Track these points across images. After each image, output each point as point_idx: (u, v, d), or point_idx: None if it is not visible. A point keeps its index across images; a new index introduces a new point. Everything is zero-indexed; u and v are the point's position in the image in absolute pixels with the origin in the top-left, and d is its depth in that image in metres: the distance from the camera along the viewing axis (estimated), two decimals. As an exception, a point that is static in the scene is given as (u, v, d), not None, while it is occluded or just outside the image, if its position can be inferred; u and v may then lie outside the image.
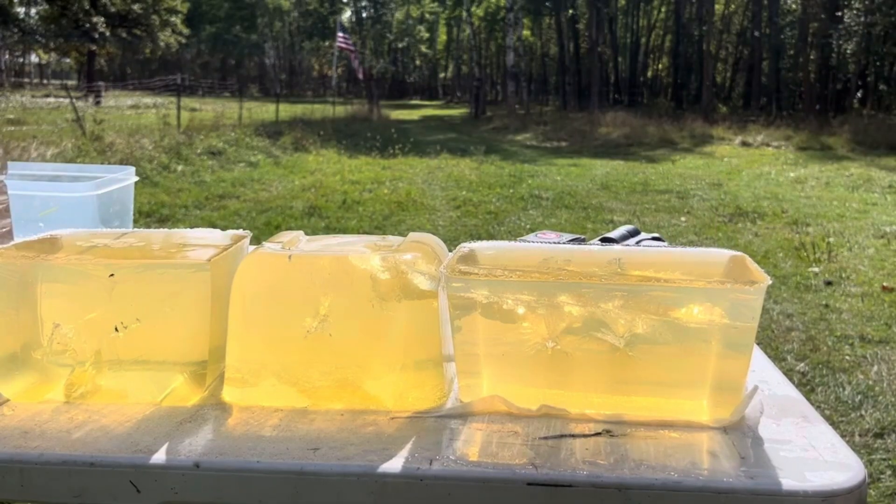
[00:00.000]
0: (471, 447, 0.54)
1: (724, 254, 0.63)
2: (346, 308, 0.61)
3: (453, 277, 0.58)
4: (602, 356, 0.57)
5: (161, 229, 0.76)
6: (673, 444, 0.54)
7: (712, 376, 0.57)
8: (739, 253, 0.63)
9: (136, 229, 0.78)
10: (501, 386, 0.60)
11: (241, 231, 0.73)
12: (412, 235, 0.68)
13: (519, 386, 0.60)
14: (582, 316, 0.57)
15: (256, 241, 0.73)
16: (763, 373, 0.67)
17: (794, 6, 28.68)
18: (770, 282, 0.55)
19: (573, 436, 0.55)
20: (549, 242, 0.78)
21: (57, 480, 0.54)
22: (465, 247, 0.64)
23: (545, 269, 0.59)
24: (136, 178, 1.17)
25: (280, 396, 0.62)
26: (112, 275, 0.62)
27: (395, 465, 0.52)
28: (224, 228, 0.75)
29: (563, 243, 0.77)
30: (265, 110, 20.34)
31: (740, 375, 0.57)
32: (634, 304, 0.56)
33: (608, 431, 0.56)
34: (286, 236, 0.69)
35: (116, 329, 0.63)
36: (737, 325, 0.55)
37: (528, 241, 0.80)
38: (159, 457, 0.54)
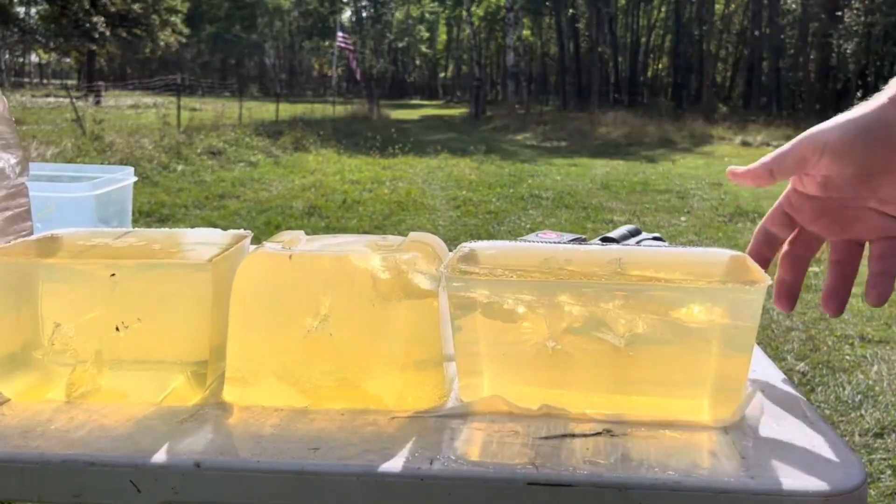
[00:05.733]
0: (471, 447, 0.54)
1: (725, 253, 0.63)
2: (346, 308, 0.61)
3: (454, 277, 0.58)
4: (603, 356, 0.57)
5: (162, 229, 0.76)
6: (673, 444, 0.54)
7: (713, 376, 0.57)
8: (740, 253, 0.63)
9: (136, 229, 0.78)
10: (502, 385, 0.60)
11: (241, 231, 0.73)
12: (412, 235, 0.68)
13: (520, 385, 0.60)
14: (583, 315, 0.57)
15: (256, 240, 0.73)
16: (763, 372, 0.67)
17: (794, 6, 28.67)
18: (770, 282, 0.55)
19: (574, 436, 0.55)
20: (550, 242, 0.78)
21: (57, 480, 0.54)
22: (466, 246, 0.64)
23: (546, 268, 0.59)
24: (135, 179, 1.17)
25: (280, 396, 0.62)
26: (113, 274, 0.62)
27: (395, 464, 0.52)
28: (224, 228, 0.75)
29: (564, 243, 0.77)
30: (265, 110, 20.34)
31: (741, 375, 0.57)
32: (635, 303, 0.56)
33: (609, 431, 0.56)
34: (286, 236, 0.69)
35: (117, 329, 0.63)
36: (737, 324, 0.55)
37: (529, 241, 0.80)
38: (160, 456, 0.54)
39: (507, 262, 0.61)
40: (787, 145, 0.64)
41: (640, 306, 0.56)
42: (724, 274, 0.59)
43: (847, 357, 3.45)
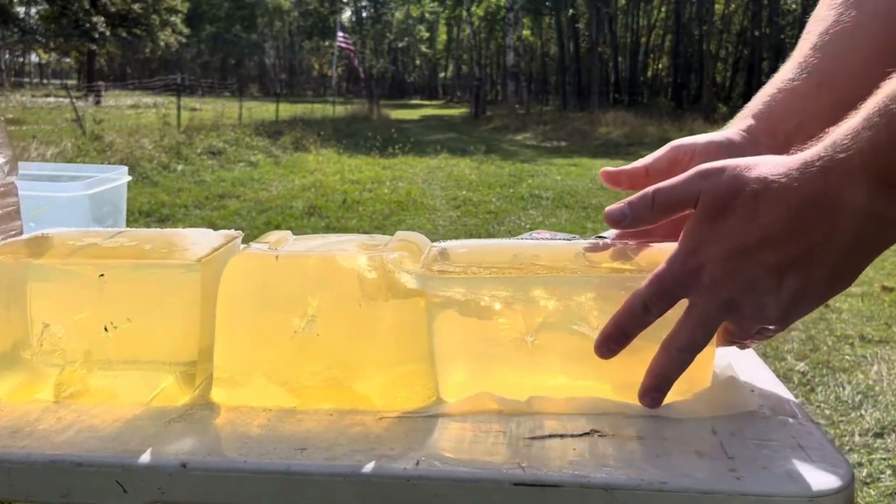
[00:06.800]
0: (458, 447, 0.54)
1: None
2: (333, 308, 0.61)
3: (430, 277, 0.58)
4: (580, 350, 0.58)
5: (153, 229, 0.76)
6: (660, 445, 0.54)
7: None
8: None
9: (128, 229, 0.78)
10: (485, 384, 0.60)
11: (232, 231, 0.73)
12: (399, 234, 0.68)
13: (502, 383, 0.60)
14: (557, 310, 0.58)
15: (254, 240, 0.73)
16: (753, 372, 0.67)
17: (794, 6, 28.67)
18: None
19: (560, 436, 0.55)
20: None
21: (44, 480, 0.54)
22: (437, 246, 0.64)
23: (517, 264, 0.59)
24: (129, 178, 1.17)
25: (268, 396, 0.61)
26: (102, 275, 0.62)
27: (381, 465, 0.52)
28: (224, 228, 0.75)
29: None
30: (265, 110, 20.36)
31: (707, 365, 0.59)
32: (607, 295, 0.57)
33: (596, 431, 0.56)
34: (273, 236, 0.69)
35: (106, 329, 0.63)
36: None
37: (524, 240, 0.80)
38: (146, 457, 0.54)
39: (479, 259, 0.61)
40: (659, 150, 0.71)
41: (613, 298, 0.57)
42: None
43: (847, 357, 3.45)
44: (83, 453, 0.54)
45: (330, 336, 0.61)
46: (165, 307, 0.63)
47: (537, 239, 0.92)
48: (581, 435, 0.55)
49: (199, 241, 0.70)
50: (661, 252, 0.60)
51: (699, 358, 0.56)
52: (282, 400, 0.61)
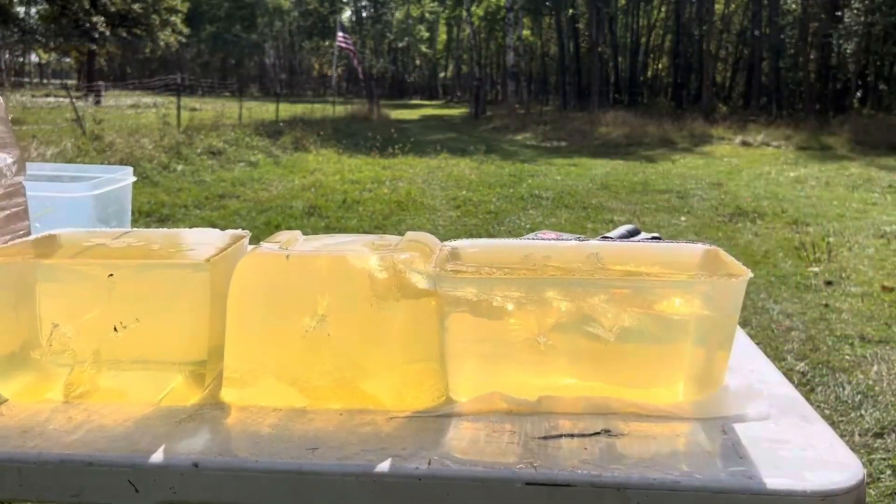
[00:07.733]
0: (469, 447, 0.54)
1: (698, 248, 0.64)
2: (344, 307, 0.61)
3: (444, 276, 0.58)
4: (592, 351, 0.58)
5: (160, 229, 0.76)
6: (672, 444, 0.54)
7: (698, 366, 0.57)
8: (712, 246, 0.63)
9: (135, 229, 0.78)
10: (495, 383, 0.60)
11: (239, 231, 0.73)
12: (409, 235, 0.68)
13: (513, 383, 0.60)
14: (570, 311, 0.57)
15: (256, 241, 0.73)
16: (762, 373, 0.67)
17: (794, 6, 28.66)
18: (751, 274, 0.56)
19: (572, 435, 0.55)
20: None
21: (55, 480, 0.54)
22: (448, 245, 0.64)
23: (528, 265, 0.59)
24: (134, 179, 1.17)
25: (279, 396, 0.62)
26: (111, 275, 0.62)
27: (393, 464, 0.52)
28: (224, 228, 0.75)
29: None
30: (265, 110, 20.34)
31: (723, 363, 0.58)
32: (621, 297, 0.57)
33: (607, 431, 0.56)
34: (284, 236, 0.69)
35: (115, 329, 0.63)
36: (720, 316, 0.56)
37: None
38: (158, 456, 0.54)
39: (490, 259, 0.61)
40: None
41: (627, 300, 0.56)
42: (700, 267, 0.60)
43: (847, 357, 3.45)
44: (94, 453, 0.54)
45: (340, 336, 0.61)
46: (174, 307, 0.64)
47: (544, 240, 0.92)
48: (593, 434, 0.55)
49: (206, 240, 0.70)
50: (676, 252, 0.60)
51: (713, 360, 0.56)
52: (292, 400, 0.61)
